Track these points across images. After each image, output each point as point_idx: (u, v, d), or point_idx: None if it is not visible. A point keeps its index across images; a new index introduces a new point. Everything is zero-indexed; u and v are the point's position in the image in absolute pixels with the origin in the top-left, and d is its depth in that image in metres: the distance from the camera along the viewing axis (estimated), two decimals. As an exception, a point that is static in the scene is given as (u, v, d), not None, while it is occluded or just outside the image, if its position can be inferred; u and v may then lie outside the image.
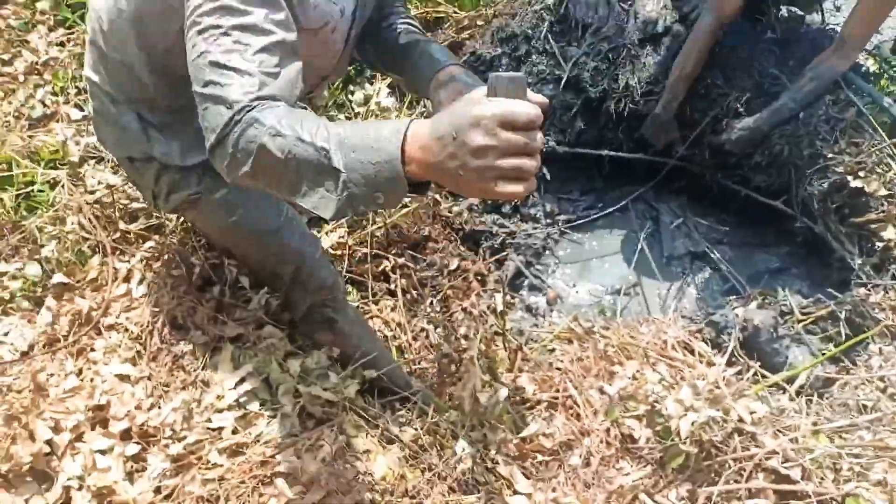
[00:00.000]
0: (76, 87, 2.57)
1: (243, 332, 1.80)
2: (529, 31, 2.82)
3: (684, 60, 2.63)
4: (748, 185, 2.81)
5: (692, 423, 1.72)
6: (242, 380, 1.67)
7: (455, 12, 3.04)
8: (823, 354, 2.41)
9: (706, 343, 2.46)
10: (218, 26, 1.09)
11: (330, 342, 1.86)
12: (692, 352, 2.31)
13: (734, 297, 2.67)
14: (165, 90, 1.48)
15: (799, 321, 2.54)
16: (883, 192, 2.43)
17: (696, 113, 2.78)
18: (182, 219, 2.10)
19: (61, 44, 2.66)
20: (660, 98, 2.73)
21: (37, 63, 2.57)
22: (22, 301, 1.81)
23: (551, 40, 2.80)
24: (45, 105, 2.45)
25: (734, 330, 2.29)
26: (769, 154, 2.67)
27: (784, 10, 2.89)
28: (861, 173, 2.48)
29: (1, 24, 2.66)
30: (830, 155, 2.53)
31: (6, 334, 1.67)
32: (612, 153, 2.95)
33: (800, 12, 2.96)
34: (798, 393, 2.10)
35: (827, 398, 2.11)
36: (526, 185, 0.92)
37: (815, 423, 1.85)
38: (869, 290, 2.45)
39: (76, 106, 2.49)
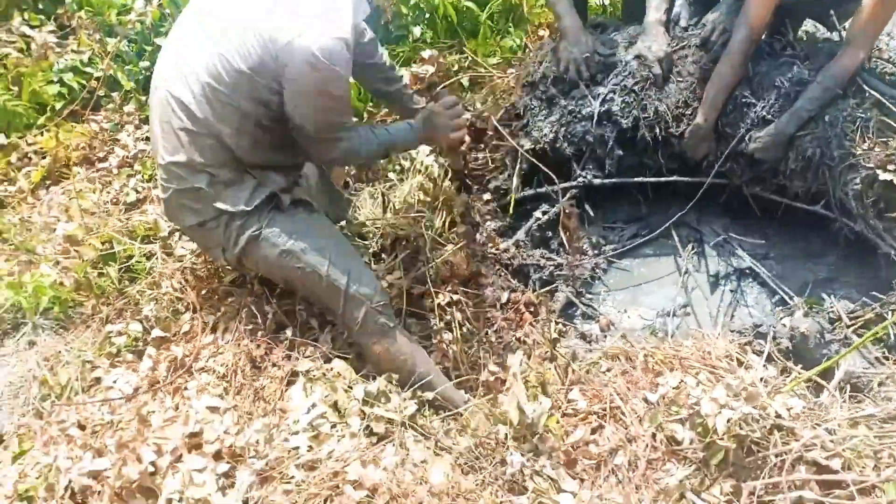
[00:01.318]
0: (163, 172, 2.96)
1: (312, 366, 2.05)
2: (555, 74, 3.02)
3: (723, 73, 2.78)
4: (786, 192, 2.89)
5: (728, 420, 1.83)
6: (314, 405, 1.90)
7: (489, 73, 3.34)
8: (874, 356, 2.46)
9: (757, 354, 2.53)
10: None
11: (384, 352, 2.10)
12: (740, 363, 2.39)
13: (780, 307, 2.75)
14: (245, 151, 1.97)
15: (848, 326, 2.59)
16: None
17: (728, 128, 2.90)
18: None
19: (147, 138, 3.07)
20: (698, 112, 2.87)
21: (127, 157, 2.98)
22: (127, 354, 2.12)
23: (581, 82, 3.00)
24: (137, 191, 2.84)
25: (769, 337, 2.36)
26: (802, 158, 2.75)
27: (806, 26, 3.02)
28: (890, 167, 2.55)
29: (96, 127, 3.10)
30: (859, 152, 2.62)
31: (115, 381, 1.97)
32: (652, 179, 3.09)
33: (822, 28, 3.09)
34: (841, 389, 2.16)
35: (869, 394, 2.16)
36: (464, 132, 2.46)
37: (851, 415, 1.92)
38: (914, 287, 2.50)
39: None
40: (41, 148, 3.11)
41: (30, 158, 3.12)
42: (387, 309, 2.14)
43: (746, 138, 2.83)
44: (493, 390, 2.20)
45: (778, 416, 1.88)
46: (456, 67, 3.36)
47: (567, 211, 2.99)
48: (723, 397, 1.87)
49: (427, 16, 3.64)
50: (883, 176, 2.56)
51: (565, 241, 3.04)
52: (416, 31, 3.59)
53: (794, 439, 1.87)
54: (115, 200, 2.83)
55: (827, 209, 2.78)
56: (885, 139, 2.62)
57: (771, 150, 2.76)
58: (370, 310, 2.07)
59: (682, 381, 2.19)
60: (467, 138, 2.91)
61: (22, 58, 3.30)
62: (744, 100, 2.83)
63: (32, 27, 3.45)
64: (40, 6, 3.57)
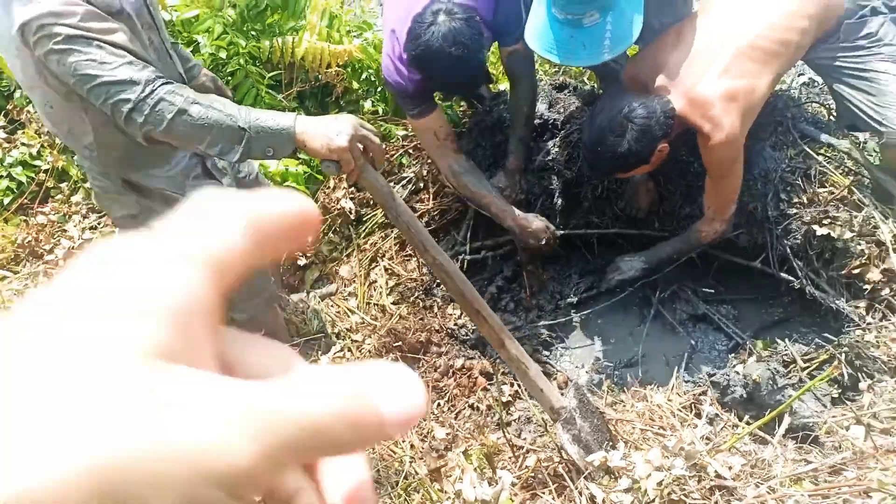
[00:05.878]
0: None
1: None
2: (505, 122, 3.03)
3: None
4: (734, 246, 2.87)
5: (660, 483, 1.77)
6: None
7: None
8: (829, 399, 2.42)
9: (717, 404, 2.49)
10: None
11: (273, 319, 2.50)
12: (684, 421, 2.35)
13: (735, 353, 2.70)
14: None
15: (803, 369, 2.55)
16: (848, 234, 2.47)
17: (670, 185, 2.92)
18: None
19: (93, 227, 3.08)
20: None
21: (73, 247, 2.97)
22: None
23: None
24: (80, 282, 2.82)
25: (709, 389, 2.31)
26: (742, 213, 2.75)
27: None
28: (826, 221, 2.54)
29: (44, 219, 3.11)
30: (794, 212, 2.61)
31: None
32: (599, 231, 3.09)
33: None
34: (794, 438, 2.11)
35: (820, 443, 2.10)
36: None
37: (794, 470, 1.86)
38: (864, 329, 2.47)
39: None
40: (-13, 244, 3.11)
41: (-24, 255, 3.12)
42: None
43: (608, 267, 2.90)
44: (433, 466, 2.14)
45: (718, 475, 1.83)
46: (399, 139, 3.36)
47: (524, 256, 2.96)
48: (658, 459, 1.82)
49: (379, 89, 3.68)
50: (820, 231, 2.55)
51: (526, 286, 3.01)
52: (367, 104, 3.61)
53: (735, 499, 1.81)
54: (58, 294, 2.81)
55: (766, 263, 2.76)
56: (824, 189, 2.62)
57: (625, 283, 2.86)
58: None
59: (626, 453, 2.13)
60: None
61: (-30, 155, 3.33)
62: (683, 156, 2.83)
63: (-18, 124, 3.50)
64: (-9, 102, 3.63)
